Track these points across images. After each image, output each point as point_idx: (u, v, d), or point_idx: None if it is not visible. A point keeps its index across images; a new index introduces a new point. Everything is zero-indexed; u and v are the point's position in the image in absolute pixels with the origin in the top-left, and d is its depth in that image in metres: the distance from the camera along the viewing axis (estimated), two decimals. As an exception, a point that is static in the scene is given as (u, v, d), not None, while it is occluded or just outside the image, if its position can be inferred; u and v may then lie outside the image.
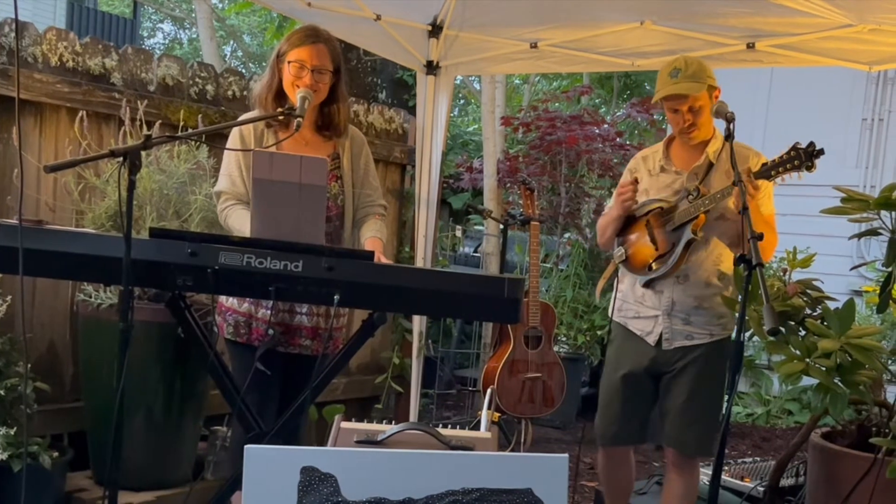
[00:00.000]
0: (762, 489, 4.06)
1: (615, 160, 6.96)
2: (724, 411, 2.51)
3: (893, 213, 3.00)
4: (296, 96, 2.69)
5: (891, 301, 3.17)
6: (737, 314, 2.63)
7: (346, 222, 2.96)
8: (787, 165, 2.79)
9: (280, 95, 2.84)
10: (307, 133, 2.90)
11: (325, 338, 2.85)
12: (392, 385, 5.03)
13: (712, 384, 3.07)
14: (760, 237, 2.49)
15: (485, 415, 2.49)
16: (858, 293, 5.91)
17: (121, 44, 4.04)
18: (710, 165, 3.05)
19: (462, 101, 16.51)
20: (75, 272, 2.52)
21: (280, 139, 2.83)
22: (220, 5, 16.27)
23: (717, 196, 2.94)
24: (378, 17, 4.10)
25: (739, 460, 4.75)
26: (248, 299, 2.81)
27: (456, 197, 10.58)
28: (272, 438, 2.65)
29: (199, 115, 3.97)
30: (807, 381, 3.00)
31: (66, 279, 3.48)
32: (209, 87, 4.18)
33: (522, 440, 4.66)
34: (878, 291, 3.21)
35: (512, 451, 4.59)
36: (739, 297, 2.66)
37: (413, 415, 4.65)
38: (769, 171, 2.84)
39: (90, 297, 3.39)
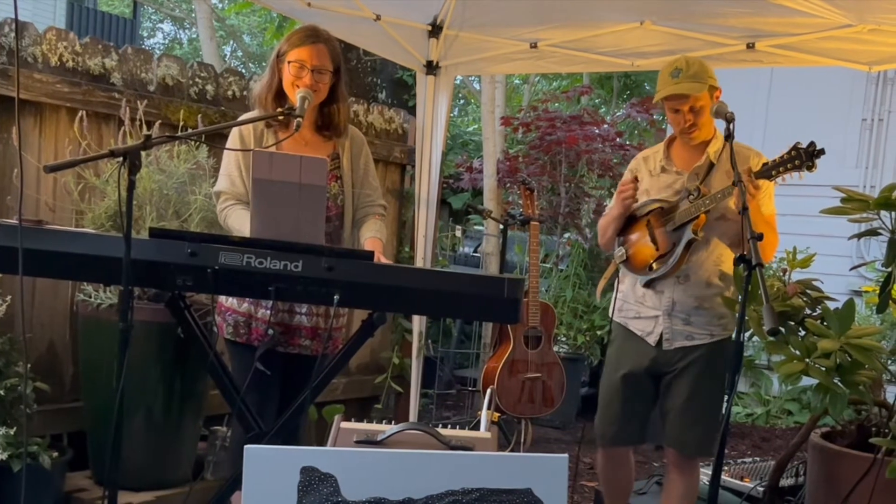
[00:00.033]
0: (762, 489, 4.06)
1: (615, 160, 6.96)
2: (723, 411, 2.51)
3: (893, 213, 3.00)
4: (295, 96, 2.69)
5: (890, 301, 3.17)
6: (737, 314, 2.63)
7: (345, 222, 2.96)
8: (788, 165, 2.79)
9: (280, 95, 2.84)
10: (307, 133, 2.90)
11: (324, 338, 2.85)
12: (392, 385, 5.03)
13: (713, 384, 3.07)
14: (760, 237, 2.49)
15: (484, 415, 2.49)
16: (858, 293, 5.91)
17: (121, 44, 4.04)
18: (711, 165, 3.05)
19: (462, 101, 16.51)
20: (75, 272, 2.52)
21: (280, 139, 2.83)
22: (220, 5, 16.27)
23: (718, 196, 2.94)
24: (378, 17, 4.10)
25: (739, 460, 4.75)
26: (247, 299, 2.81)
27: (456, 197, 10.59)
28: (272, 438, 2.65)
29: (199, 115, 3.97)
30: (806, 381, 3.01)
31: (65, 279, 3.48)
32: (209, 87, 4.18)
33: (522, 440, 4.66)
34: (877, 291, 3.21)
35: (512, 451, 4.59)
36: (739, 297, 2.66)
37: (413, 415, 4.65)
38: (770, 171, 2.84)
39: (90, 297, 3.39)
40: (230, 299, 2.85)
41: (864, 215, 3.06)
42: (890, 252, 3.02)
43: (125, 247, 2.09)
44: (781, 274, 3.54)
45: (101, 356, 3.34)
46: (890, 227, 3.03)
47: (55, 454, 3.16)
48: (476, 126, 14.49)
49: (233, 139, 2.90)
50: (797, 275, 3.41)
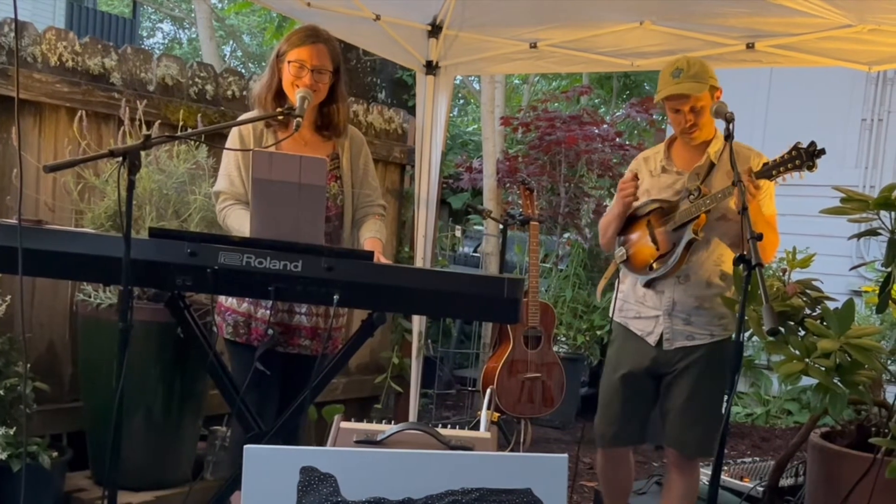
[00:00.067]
0: (761, 489, 4.06)
1: (614, 160, 6.96)
2: (723, 411, 2.51)
3: (893, 213, 3.00)
4: (295, 96, 2.69)
5: (890, 301, 3.17)
6: (737, 314, 2.63)
7: (345, 222, 2.96)
8: (789, 165, 2.79)
9: (279, 95, 2.84)
10: (306, 133, 2.90)
11: (324, 338, 2.85)
12: (391, 385, 5.03)
13: (713, 385, 3.07)
14: (760, 237, 2.49)
15: (484, 415, 2.49)
16: (858, 293, 5.91)
17: (120, 44, 4.04)
18: (712, 166, 3.05)
19: (461, 101, 16.52)
20: (75, 272, 2.52)
21: (279, 139, 2.83)
22: (220, 5, 16.27)
23: (718, 196, 2.94)
24: (377, 17, 4.10)
25: (739, 460, 4.75)
26: (247, 299, 2.81)
27: (455, 197, 10.59)
28: (271, 438, 2.65)
29: (199, 115, 3.97)
30: (806, 381, 3.00)
31: (65, 279, 3.48)
32: (208, 87, 4.18)
33: (522, 440, 4.66)
34: (877, 291, 3.21)
35: (511, 451, 4.59)
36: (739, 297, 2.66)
37: (412, 415, 4.65)
38: (770, 171, 2.84)
39: (89, 296, 3.39)
40: (230, 299, 2.85)
41: (864, 215, 3.06)
42: (889, 252, 3.02)
43: (125, 247, 2.09)
44: (781, 274, 3.54)
45: (100, 356, 3.34)
46: (889, 227, 3.03)
47: (55, 454, 3.16)
48: (476, 126, 14.49)
49: (232, 139, 2.90)
50: (797, 275, 3.41)
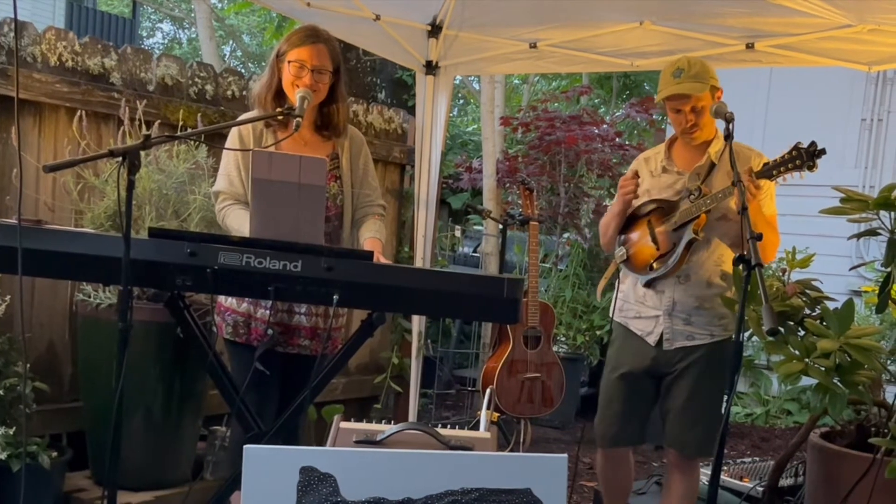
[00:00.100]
0: (761, 489, 4.06)
1: (614, 160, 6.96)
2: (723, 411, 2.51)
3: (892, 213, 3.00)
4: (295, 96, 2.69)
5: (890, 301, 3.17)
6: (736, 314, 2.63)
7: (345, 222, 2.96)
8: (789, 165, 2.79)
9: (279, 95, 2.84)
10: (306, 133, 2.90)
11: (323, 338, 2.85)
12: (391, 385, 5.03)
13: (713, 385, 3.06)
14: (759, 237, 2.49)
15: (484, 415, 2.49)
16: (857, 293, 5.91)
17: (120, 43, 4.04)
18: (712, 166, 3.05)
19: (461, 101, 16.52)
20: (74, 272, 2.52)
21: (279, 139, 2.83)
22: (220, 5, 16.27)
23: (719, 196, 2.94)
24: (377, 17, 4.10)
25: (738, 460, 4.75)
26: (246, 299, 2.81)
27: (455, 197, 10.58)
28: (271, 438, 2.65)
29: (199, 115, 3.97)
30: (806, 381, 3.00)
31: (65, 279, 3.48)
32: (208, 87, 4.18)
33: (521, 440, 4.66)
34: (877, 291, 3.21)
35: (511, 451, 4.59)
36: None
37: (412, 415, 4.65)
38: (771, 171, 2.84)
39: (89, 296, 3.39)
40: (229, 299, 2.85)
41: (864, 215, 3.06)
42: (889, 252, 3.02)
43: (124, 246, 2.09)
44: (781, 274, 3.54)
45: (100, 356, 3.34)
46: (889, 227, 3.03)
47: (54, 454, 3.16)
48: (475, 126, 14.49)
49: (232, 139, 2.90)
50: (796, 275, 3.41)
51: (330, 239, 2.86)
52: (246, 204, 2.76)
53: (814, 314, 3.16)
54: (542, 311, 4.59)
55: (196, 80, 4.13)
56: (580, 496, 4.44)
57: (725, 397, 2.47)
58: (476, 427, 2.43)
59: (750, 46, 3.84)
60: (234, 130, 2.90)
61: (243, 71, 8.04)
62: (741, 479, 4.25)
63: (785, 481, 4.07)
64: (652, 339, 3.14)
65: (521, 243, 7.03)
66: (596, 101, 13.00)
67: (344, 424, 2.21)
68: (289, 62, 2.78)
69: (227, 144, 2.91)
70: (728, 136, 2.76)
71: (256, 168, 2.44)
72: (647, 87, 13.14)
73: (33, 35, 3.54)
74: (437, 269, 4.62)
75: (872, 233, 3.09)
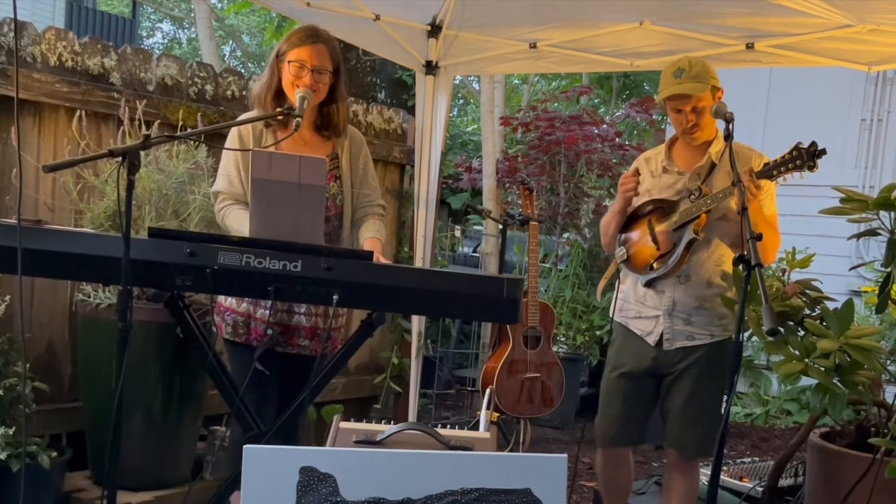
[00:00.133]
0: (761, 489, 4.06)
1: (614, 160, 6.96)
2: (722, 411, 2.51)
3: (892, 213, 3.00)
4: (295, 96, 2.69)
5: (889, 301, 3.17)
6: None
7: (344, 222, 2.96)
8: (790, 165, 2.79)
9: (279, 95, 2.84)
10: (306, 133, 2.90)
11: (323, 338, 2.85)
12: (391, 385, 5.03)
13: (713, 385, 3.06)
14: (759, 237, 2.49)
15: (484, 415, 2.49)
16: (857, 293, 5.91)
17: (120, 43, 4.04)
18: (713, 166, 3.05)
19: (461, 101, 16.52)
20: (74, 272, 2.52)
21: (279, 139, 2.83)
22: (220, 5, 16.27)
23: (719, 196, 2.94)
24: (377, 17, 4.10)
25: (738, 460, 4.75)
26: (246, 299, 2.80)
27: (455, 197, 10.58)
28: (271, 438, 2.65)
29: (198, 115, 3.97)
30: (806, 381, 3.00)
31: (64, 279, 3.48)
32: (208, 87, 4.18)
33: (521, 440, 4.66)
34: (876, 292, 3.21)
35: (511, 451, 4.59)
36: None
37: (412, 415, 4.65)
38: (771, 171, 2.84)
39: (89, 296, 3.39)
40: (229, 299, 2.85)
41: (864, 215, 3.06)
42: (889, 252, 3.01)
43: (124, 246, 2.09)
44: (781, 274, 3.54)
45: (100, 356, 3.34)
46: (889, 228, 3.02)
47: (54, 454, 3.16)
48: (475, 126, 14.49)
49: (232, 139, 2.90)
50: (796, 275, 3.41)
51: (330, 239, 2.86)
52: (245, 204, 2.76)
53: (814, 314, 3.16)
54: (542, 311, 4.59)
55: (196, 80, 4.13)
56: (580, 496, 4.44)
57: (725, 397, 2.47)
58: (476, 427, 2.42)
59: (750, 46, 3.84)
60: (233, 130, 2.90)
61: (243, 71, 8.04)
62: (741, 479, 4.25)
63: (785, 481, 4.07)
64: (652, 339, 3.14)
65: (520, 243, 7.03)
66: (596, 101, 13.00)
67: (344, 424, 2.21)
68: (289, 62, 2.78)
69: (227, 144, 2.91)
70: (728, 137, 2.76)
71: (256, 168, 2.44)
72: (646, 87, 13.14)
73: (33, 35, 3.54)
74: (436, 269, 4.61)
75: (872, 233, 3.09)
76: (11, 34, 3.37)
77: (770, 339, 2.91)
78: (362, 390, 5.00)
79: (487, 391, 2.85)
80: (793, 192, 3.62)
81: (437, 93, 4.49)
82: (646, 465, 5.05)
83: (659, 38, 3.97)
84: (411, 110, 5.21)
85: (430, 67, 4.45)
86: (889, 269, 3.05)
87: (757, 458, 4.98)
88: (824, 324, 2.98)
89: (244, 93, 4.29)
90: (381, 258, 2.67)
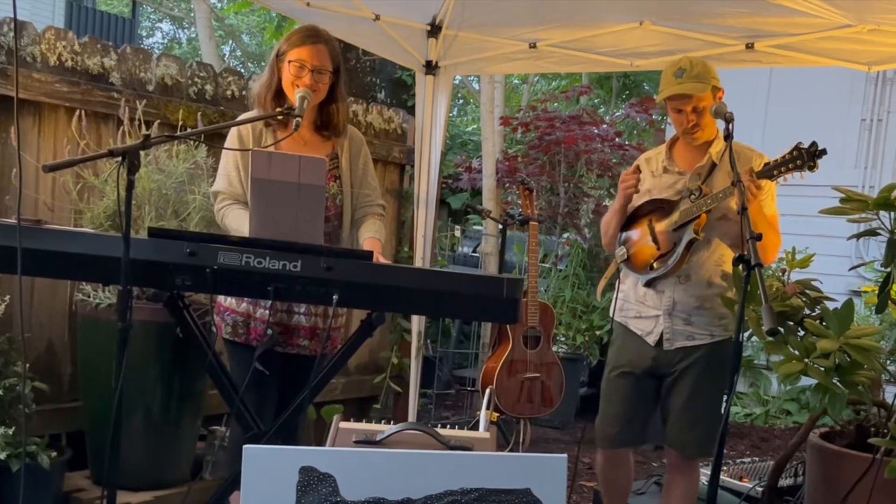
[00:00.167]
0: (761, 489, 4.06)
1: (614, 160, 6.96)
2: (722, 411, 2.51)
3: (892, 213, 3.00)
4: (295, 96, 2.69)
5: (889, 301, 3.17)
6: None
7: (344, 222, 2.96)
8: (790, 165, 2.79)
9: (279, 95, 2.84)
10: (306, 133, 2.90)
11: (323, 338, 2.85)
12: (391, 385, 5.03)
13: (713, 385, 3.06)
14: (759, 237, 2.49)
15: (483, 415, 2.49)
16: (857, 293, 5.91)
17: (119, 43, 4.03)
18: (713, 166, 3.05)
19: (461, 101, 16.51)
20: (74, 272, 2.52)
21: (279, 139, 2.83)
22: (219, 5, 16.26)
23: (719, 196, 2.94)
24: (377, 17, 4.10)
25: (738, 460, 4.74)
26: (246, 299, 2.80)
27: (455, 197, 10.58)
28: (270, 438, 2.65)
29: (198, 115, 3.97)
30: (805, 381, 3.00)
31: (64, 279, 3.48)
32: (208, 87, 4.18)
33: (521, 440, 4.66)
34: (876, 292, 3.21)
35: (510, 451, 4.59)
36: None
37: (412, 415, 4.65)
38: (771, 171, 2.84)
39: (89, 296, 3.39)
40: (229, 299, 2.85)
41: (863, 215, 3.06)
42: (889, 252, 3.01)
43: (124, 246, 2.09)
44: (780, 274, 3.53)
45: (99, 356, 3.34)
46: (889, 228, 3.02)
47: (54, 454, 3.16)
48: (475, 126, 14.49)
49: (231, 139, 2.90)
50: (796, 275, 3.41)
51: (329, 239, 2.86)
52: (245, 204, 2.76)
53: (813, 314, 3.16)
54: (542, 311, 4.59)
55: (196, 79, 4.13)
56: (580, 496, 4.44)
57: (725, 397, 2.46)
58: (475, 427, 2.42)
59: (750, 46, 3.84)
60: (233, 130, 2.89)
61: (243, 71, 8.03)
62: (741, 479, 4.25)
63: (784, 481, 4.07)
64: (652, 339, 3.14)
65: (520, 243, 7.03)
66: (596, 101, 13.00)
67: (343, 424, 2.21)
68: (289, 62, 2.78)
69: (227, 144, 2.91)
70: (728, 137, 2.76)
71: (256, 168, 2.44)
72: (646, 87, 13.14)
73: (33, 35, 3.53)
74: (436, 269, 4.61)
75: (872, 233, 3.09)
76: (11, 34, 3.36)
77: (770, 339, 2.91)
78: (362, 390, 5.00)
79: (487, 391, 2.85)
80: (793, 192, 3.62)
81: (437, 93, 4.49)
82: (646, 465, 5.05)
83: (659, 38, 3.97)
84: (411, 110, 5.22)
85: (430, 67, 4.45)
86: (889, 269, 3.05)
87: (757, 458, 4.98)
88: (824, 324, 2.98)
89: (244, 93, 4.29)
90: (380, 258, 2.67)
